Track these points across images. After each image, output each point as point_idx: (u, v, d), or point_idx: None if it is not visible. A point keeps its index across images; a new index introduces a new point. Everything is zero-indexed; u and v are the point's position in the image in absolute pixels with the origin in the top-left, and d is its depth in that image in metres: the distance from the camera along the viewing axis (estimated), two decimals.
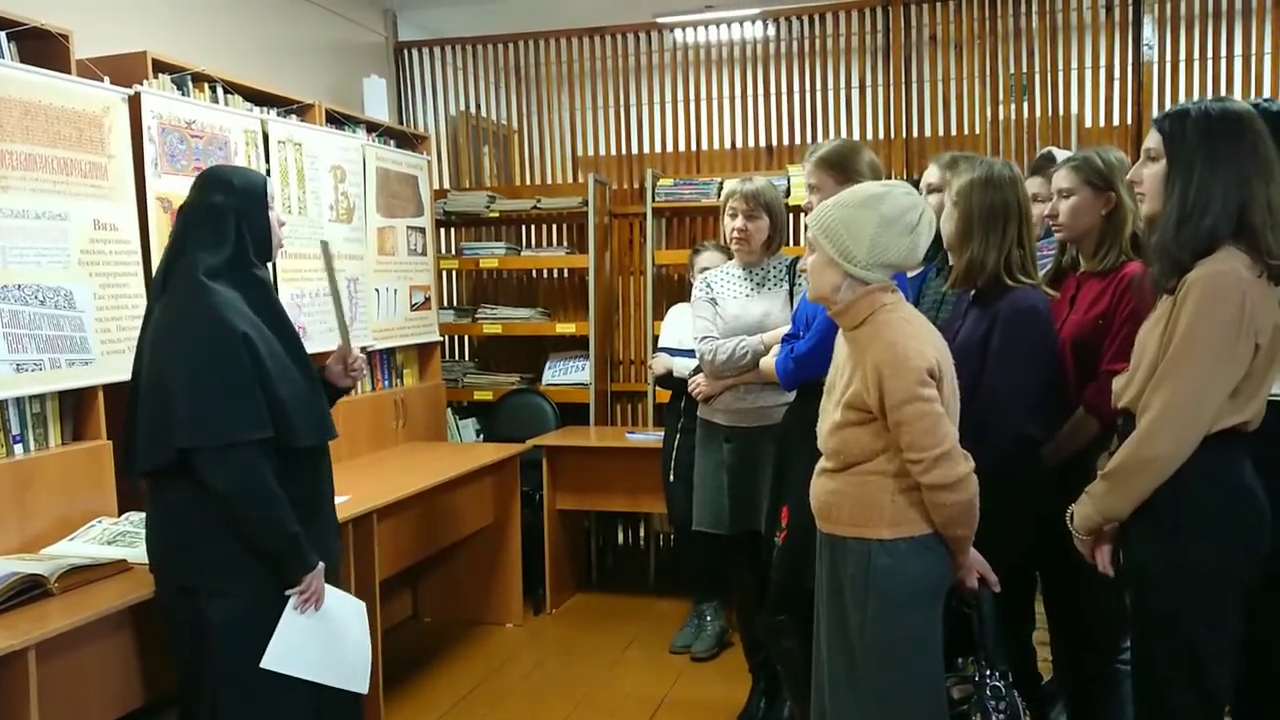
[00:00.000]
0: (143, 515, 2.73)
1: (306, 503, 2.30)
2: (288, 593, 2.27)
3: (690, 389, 3.34)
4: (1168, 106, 2.67)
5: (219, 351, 2.17)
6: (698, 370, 3.32)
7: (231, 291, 2.24)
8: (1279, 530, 2.00)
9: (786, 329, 2.93)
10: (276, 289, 2.93)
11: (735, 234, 3.19)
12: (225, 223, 2.28)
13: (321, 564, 2.32)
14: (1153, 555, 2.01)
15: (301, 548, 2.26)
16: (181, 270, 2.25)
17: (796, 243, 4.58)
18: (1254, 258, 1.90)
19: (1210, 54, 4.50)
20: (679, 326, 4.15)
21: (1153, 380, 1.96)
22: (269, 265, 2.45)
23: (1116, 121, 4.62)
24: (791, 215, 4.43)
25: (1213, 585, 1.96)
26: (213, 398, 2.16)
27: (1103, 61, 4.63)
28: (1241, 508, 1.96)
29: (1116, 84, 4.61)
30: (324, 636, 2.34)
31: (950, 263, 2.60)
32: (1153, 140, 2.05)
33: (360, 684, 2.46)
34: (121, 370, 2.84)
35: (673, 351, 4.08)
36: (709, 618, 4.13)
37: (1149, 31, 4.57)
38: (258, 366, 2.20)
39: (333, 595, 2.38)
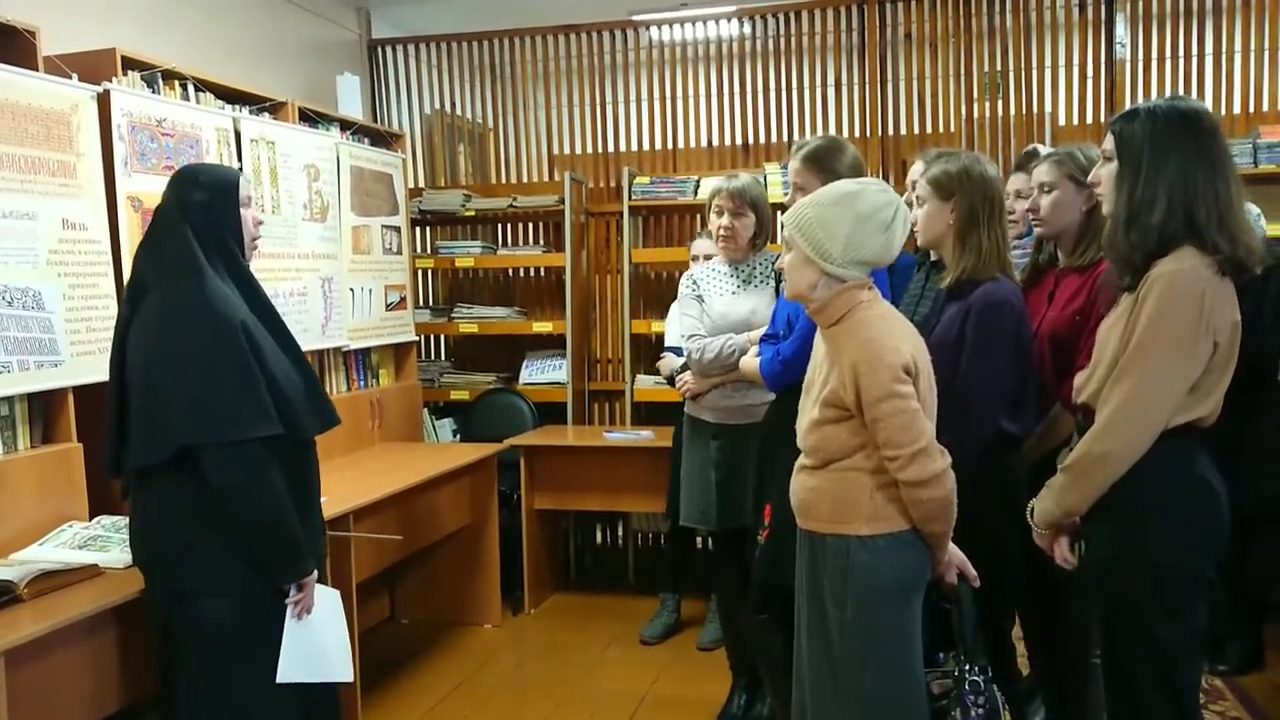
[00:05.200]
0: (115, 519, 2.71)
1: (300, 500, 2.27)
2: (288, 601, 2.24)
3: (677, 386, 3.33)
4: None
5: (220, 345, 2.13)
6: (685, 368, 3.32)
7: (222, 286, 2.20)
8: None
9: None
10: None
11: (721, 231, 3.19)
12: (202, 219, 2.23)
13: (315, 572, 2.29)
14: (1111, 549, 2.03)
15: (300, 553, 2.22)
16: (165, 269, 2.20)
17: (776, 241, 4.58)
18: (1209, 256, 1.92)
19: (1181, 52, 4.55)
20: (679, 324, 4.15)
21: (1112, 376, 1.97)
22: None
23: (1090, 119, 4.65)
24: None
25: (1169, 578, 1.97)
26: (216, 392, 2.10)
27: (1076, 60, 4.66)
28: (1198, 501, 1.98)
29: (1090, 82, 4.65)
30: (318, 637, 2.32)
31: (932, 257, 2.61)
32: (1107, 142, 2.09)
33: (347, 674, 2.44)
34: (92, 372, 2.80)
35: (679, 351, 4.06)
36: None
37: (1121, 30, 4.61)
38: (259, 359, 2.16)
39: (318, 593, 2.35)
